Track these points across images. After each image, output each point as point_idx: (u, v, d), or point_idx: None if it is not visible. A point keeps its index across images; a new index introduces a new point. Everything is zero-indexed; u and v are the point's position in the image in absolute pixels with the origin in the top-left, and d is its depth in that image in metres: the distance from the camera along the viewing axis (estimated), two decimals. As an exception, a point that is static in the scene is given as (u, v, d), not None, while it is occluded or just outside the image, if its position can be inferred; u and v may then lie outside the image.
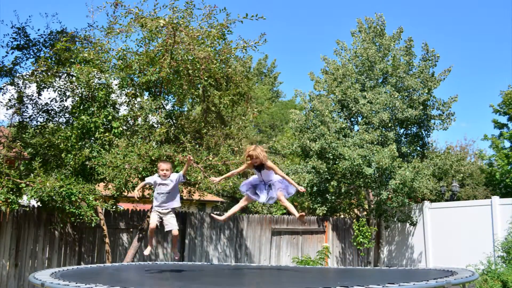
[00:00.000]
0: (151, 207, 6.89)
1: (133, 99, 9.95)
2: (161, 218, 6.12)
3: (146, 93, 10.07)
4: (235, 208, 6.34)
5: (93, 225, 9.19)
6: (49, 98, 10.35)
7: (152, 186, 6.33)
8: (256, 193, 6.08)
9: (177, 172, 6.35)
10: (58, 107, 10.36)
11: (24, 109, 10.13)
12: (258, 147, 5.83)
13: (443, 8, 49.86)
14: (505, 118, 21.26)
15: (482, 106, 54.05)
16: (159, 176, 6.05)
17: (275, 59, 32.47)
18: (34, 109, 10.23)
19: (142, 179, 9.25)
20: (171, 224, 6.09)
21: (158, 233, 11.93)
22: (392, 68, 14.82)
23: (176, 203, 6.16)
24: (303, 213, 5.95)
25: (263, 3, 45.54)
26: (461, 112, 44.31)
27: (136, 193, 6.40)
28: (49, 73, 9.55)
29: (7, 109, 9.92)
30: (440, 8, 49.77)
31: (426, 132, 15.54)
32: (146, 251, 6.39)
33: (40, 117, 10.33)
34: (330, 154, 13.87)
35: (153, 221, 6.08)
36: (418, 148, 15.65)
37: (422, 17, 50.13)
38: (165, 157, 8.84)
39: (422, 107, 14.65)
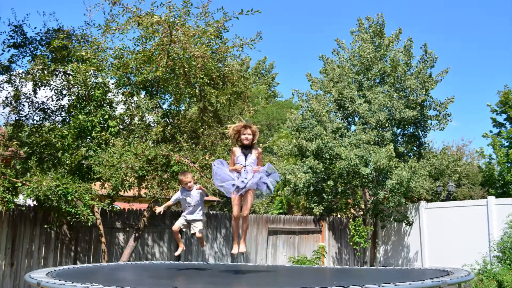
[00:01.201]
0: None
1: (130, 98, 9.94)
2: (187, 222, 6.17)
3: (143, 92, 10.06)
4: (235, 227, 5.79)
5: (89, 225, 9.17)
6: (46, 96, 10.33)
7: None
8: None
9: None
10: (54, 106, 10.34)
11: (20, 108, 10.10)
12: (252, 124, 5.32)
13: (440, 9, 49.99)
14: (502, 117, 21.38)
15: (477, 106, 54.22)
16: (184, 187, 6.08)
17: (274, 61, 32.63)
18: (30, 107, 10.20)
19: (139, 178, 9.25)
20: (195, 228, 6.15)
21: (155, 232, 11.92)
22: (390, 68, 14.84)
23: (200, 217, 6.17)
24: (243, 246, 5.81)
25: (261, 3, 45.52)
26: (455, 112, 44.51)
27: (160, 209, 6.15)
28: (45, 72, 9.52)
29: (3, 107, 9.89)
30: (437, 8, 49.91)
31: (422, 132, 15.58)
32: (177, 252, 6.44)
33: (37, 116, 10.30)
34: (326, 154, 13.88)
35: (177, 224, 6.17)
36: (415, 148, 15.68)
37: (419, 18, 50.26)
38: (161, 157, 8.83)
39: (419, 107, 14.68)
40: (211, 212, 15.42)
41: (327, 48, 61.17)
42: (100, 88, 9.56)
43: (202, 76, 9.18)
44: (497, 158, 21.21)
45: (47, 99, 10.24)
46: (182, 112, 10.76)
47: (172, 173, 8.98)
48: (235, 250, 5.86)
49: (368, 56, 14.77)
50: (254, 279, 6.13)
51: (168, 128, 9.89)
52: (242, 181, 5.23)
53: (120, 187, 8.97)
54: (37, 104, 10.21)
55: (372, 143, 13.75)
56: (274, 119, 27.39)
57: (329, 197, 14.80)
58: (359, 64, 15.12)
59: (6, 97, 9.85)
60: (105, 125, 9.60)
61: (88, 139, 9.64)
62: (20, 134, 9.87)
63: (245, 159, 5.28)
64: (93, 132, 9.29)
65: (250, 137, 5.25)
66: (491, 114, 21.60)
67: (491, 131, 21.80)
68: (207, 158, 9.04)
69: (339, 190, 14.78)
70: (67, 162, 9.36)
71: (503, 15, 45.25)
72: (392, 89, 14.55)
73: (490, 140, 21.56)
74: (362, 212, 15.43)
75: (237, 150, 5.33)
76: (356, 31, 15.83)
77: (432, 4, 50.58)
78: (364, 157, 13.26)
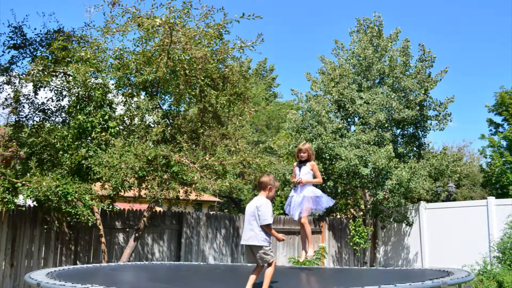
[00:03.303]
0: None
1: (130, 98, 9.94)
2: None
3: (143, 93, 10.05)
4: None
5: (89, 225, 9.17)
6: (46, 97, 10.34)
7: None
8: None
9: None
10: (54, 107, 10.34)
11: (20, 109, 10.10)
12: (306, 143, 6.51)
13: (439, 9, 49.99)
14: (500, 118, 21.39)
15: (475, 107, 54.31)
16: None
17: (274, 63, 32.63)
18: (30, 108, 10.20)
19: (139, 179, 9.25)
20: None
21: (155, 232, 11.92)
22: (389, 68, 14.84)
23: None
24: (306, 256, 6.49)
25: (261, 4, 45.54)
26: (454, 112, 44.55)
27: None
28: (45, 73, 9.52)
29: (3, 108, 9.89)
30: (436, 9, 49.90)
31: (422, 132, 15.57)
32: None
33: (37, 117, 10.30)
34: (326, 154, 13.87)
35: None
36: (415, 148, 15.68)
37: (418, 18, 50.26)
38: (161, 157, 8.82)
39: (418, 107, 14.68)
40: (211, 212, 15.40)
41: (327, 48, 61.21)
42: (100, 88, 9.55)
43: (202, 78, 9.18)
44: (492, 160, 21.25)
45: (47, 100, 10.24)
46: (182, 112, 10.75)
47: (172, 173, 8.98)
48: (302, 258, 6.63)
49: (367, 56, 14.76)
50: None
51: (168, 128, 9.88)
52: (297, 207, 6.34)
53: (120, 188, 8.97)
54: (37, 105, 10.21)
55: (371, 143, 13.74)
56: (274, 119, 27.40)
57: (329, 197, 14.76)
58: (358, 64, 15.11)
59: (6, 98, 9.85)
60: (105, 125, 9.59)
61: (88, 140, 9.63)
62: (20, 135, 9.86)
63: (299, 170, 6.40)
64: (93, 132, 9.28)
65: (305, 155, 6.41)
66: (490, 115, 21.68)
67: (490, 130, 21.83)
68: (207, 158, 9.04)
69: (339, 191, 14.77)
70: (67, 162, 9.35)
71: (501, 16, 45.27)
72: (390, 89, 14.54)
73: (488, 142, 21.60)
74: (362, 213, 15.43)
75: (295, 164, 6.58)
76: (355, 32, 15.83)
77: (431, 4, 50.59)
78: (364, 158, 13.25)
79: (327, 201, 6.40)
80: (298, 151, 6.47)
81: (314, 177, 6.41)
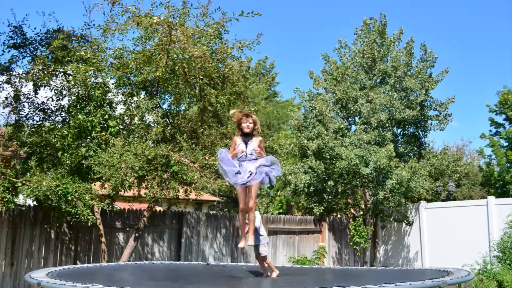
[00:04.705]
0: None
1: (130, 98, 9.94)
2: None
3: (143, 92, 10.06)
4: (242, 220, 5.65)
5: (89, 225, 9.16)
6: (46, 97, 10.35)
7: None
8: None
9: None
10: (54, 106, 10.34)
11: (20, 108, 10.10)
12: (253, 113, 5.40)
13: (440, 9, 50.00)
14: (501, 118, 21.41)
15: (476, 106, 54.28)
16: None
17: (274, 60, 32.55)
18: (30, 108, 10.20)
19: (139, 178, 9.25)
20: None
21: (155, 232, 11.92)
22: (391, 68, 14.82)
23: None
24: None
25: (262, 3, 45.52)
26: (455, 112, 44.58)
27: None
28: (45, 72, 9.52)
29: (3, 107, 9.90)
30: (437, 9, 49.91)
31: (423, 132, 15.57)
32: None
33: (37, 116, 10.31)
34: (327, 154, 13.86)
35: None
36: (415, 148, 15.67)
37: (419, 19, 50.26)
38: (161, 157, 8.82)
39: (419, 107, 14.67)
40: (211, 212, 15.38)
41: (326, 47, 61.19)
42: (100, 88, 9.55)
43: (201, 77, 9.18)
44: (496, 158, 21.24)
45: (47, 99, 10.24)
46: (182, 112, 10.75)
47: (172, 173, 8.98)
48: (241, 245, 5.64)
49: (373, 54, 14.73)
50: (254, 279, 6.13)
51: (168, 128, 9.89)
52: (248, 174, 5.17)
53: (120, 187, 8.96)
54: (37, 104, 10.21)
55: (372, 143, 13.73)
56: (274, 119, 27.37)
57: (329, 197, 14.78)
58: (363, 63, 15.06)
59: (6, 98, 9.86)
60: (105, 125, 9.60)
61: (88, 139, 9.64)
62: (20, 134, 9.86)
63: (246, 147, 5.28)
64: (93, 132, 9.29)
65: (251, 125, 5.26)
66: (490, 114, 21.67)
67: (490, 131, 21.85)
68: (207, 158, 9.04)
69: (339, 190, 14.76)
70: (67, 162, 9.35)
71: (502, 16, 45.28)
72: (391, 89, 14.54)
73: (489, 141, 21.60)
74: (362, 212, 15.42)
75: (238, 139, 5.35)
76: (359, 31, 15.82)
77: (431, 4, 50.61)
78: (365, 157, 13.24)
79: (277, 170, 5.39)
80: (244, 118, 5.24)
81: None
